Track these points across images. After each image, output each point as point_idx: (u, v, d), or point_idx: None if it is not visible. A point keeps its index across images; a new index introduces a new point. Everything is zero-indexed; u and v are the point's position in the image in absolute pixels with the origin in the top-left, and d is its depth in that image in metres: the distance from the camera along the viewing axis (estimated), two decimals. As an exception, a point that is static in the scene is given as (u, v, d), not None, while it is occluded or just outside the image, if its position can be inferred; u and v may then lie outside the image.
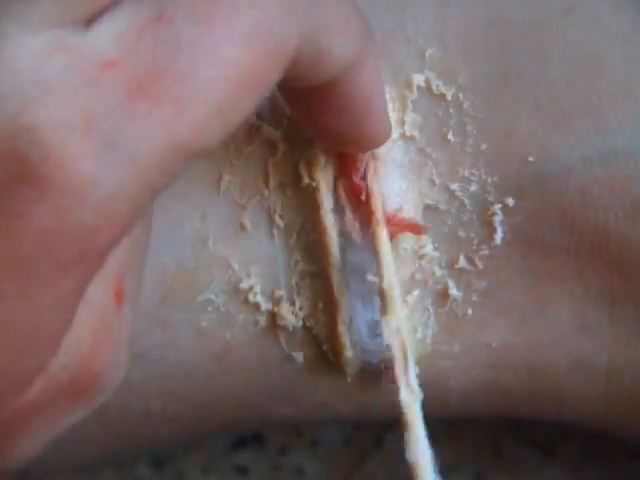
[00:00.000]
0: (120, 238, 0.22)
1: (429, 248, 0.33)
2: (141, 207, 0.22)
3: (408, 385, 0.30)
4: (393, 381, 0.30)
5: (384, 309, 0.31)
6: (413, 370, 0.30)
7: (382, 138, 0.30)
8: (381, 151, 0.32)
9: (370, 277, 0.32)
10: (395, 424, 0.45)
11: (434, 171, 0.33)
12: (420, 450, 0.29)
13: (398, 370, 0.30)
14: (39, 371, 0.23)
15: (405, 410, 0.30)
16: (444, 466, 0.44)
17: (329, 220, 0.33)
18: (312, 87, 0.27)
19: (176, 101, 0.22)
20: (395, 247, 0.32)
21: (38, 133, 0.21)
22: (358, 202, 0.33)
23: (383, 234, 0.32)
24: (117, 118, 0.21)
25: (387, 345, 0.31)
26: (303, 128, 0.32)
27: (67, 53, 0.22)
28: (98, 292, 0.24)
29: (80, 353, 0.24)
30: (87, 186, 0.21)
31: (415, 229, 0.32)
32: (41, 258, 0.21)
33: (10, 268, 0.21)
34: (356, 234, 0.33)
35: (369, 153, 0.32)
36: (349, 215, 0.33)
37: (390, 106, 0.33)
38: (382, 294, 0.31)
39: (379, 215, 0.32)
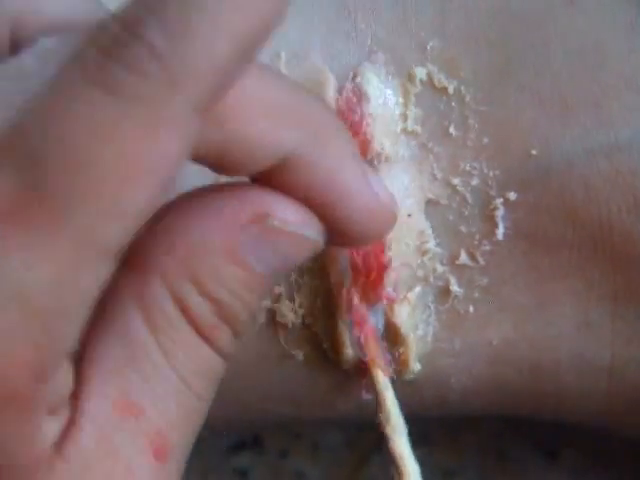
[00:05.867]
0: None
1: (432, 244, 0.33)
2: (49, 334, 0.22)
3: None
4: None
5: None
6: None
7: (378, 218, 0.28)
8: (387, 148, 0.32)
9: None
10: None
11: (435, 165, 0.33)
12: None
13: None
14: None
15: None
16: (447, 469, 0.44)
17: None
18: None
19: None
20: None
21: None
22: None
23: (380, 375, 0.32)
24: None
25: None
26: None
27: None
28: (127, 445, 0.24)
29: None
30: None
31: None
32: None
33: None
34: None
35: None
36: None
37: (393, 100, 0.32)
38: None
39: (378, 360, 0.32)
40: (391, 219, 0.28)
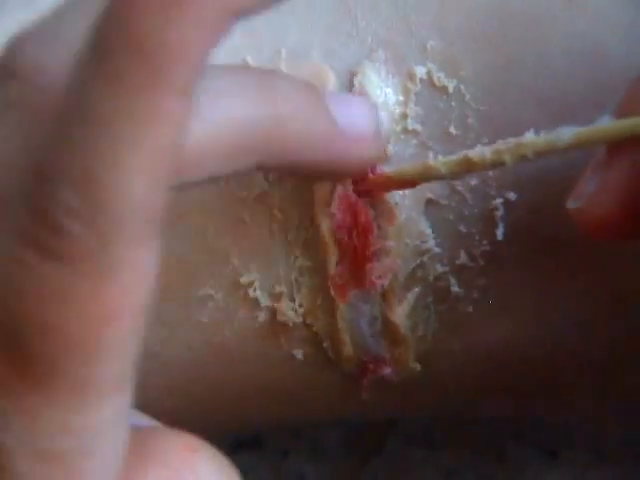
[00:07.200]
0: None
1: (431, 243, 0.33)
2: None
3: None
4: None
5: None
6: None
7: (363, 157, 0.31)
8: (387, 147, 0.32)
9: None
10: (396, 427, 0.45)
11: (435, 165, 0.32)
12: None
13: None
14: None
15: None
16: (447, 469, 0.44)
17: (325, 215, 0.32)
18: None
19: None
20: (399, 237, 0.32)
21: None
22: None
23: None
24: None
25: None
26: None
27: None
28: None
29: None
30: None
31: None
32: None
33: None
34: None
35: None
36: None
37: (393, 99, 0.32)
38: None
39: None
40: (369, 149, 0.31)
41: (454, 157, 0.29)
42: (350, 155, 0.30)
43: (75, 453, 0.22)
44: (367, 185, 0.32)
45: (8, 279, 0.22)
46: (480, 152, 0.29)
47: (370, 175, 0.31)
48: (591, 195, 0.27)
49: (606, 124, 0.27)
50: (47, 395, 0.22)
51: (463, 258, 0.33)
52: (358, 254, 0.32)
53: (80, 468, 0.23)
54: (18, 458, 0.22)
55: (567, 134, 0.27)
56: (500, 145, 0.28)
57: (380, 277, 0.32)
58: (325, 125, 0.29)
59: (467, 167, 0.29)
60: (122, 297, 0.22)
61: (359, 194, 0.32)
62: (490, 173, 0.32)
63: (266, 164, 0.28)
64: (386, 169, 0.32)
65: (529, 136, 0.28)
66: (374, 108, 0.31)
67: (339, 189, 0.32)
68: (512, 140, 0.28)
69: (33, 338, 0.22)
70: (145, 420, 0.27)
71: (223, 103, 0.26)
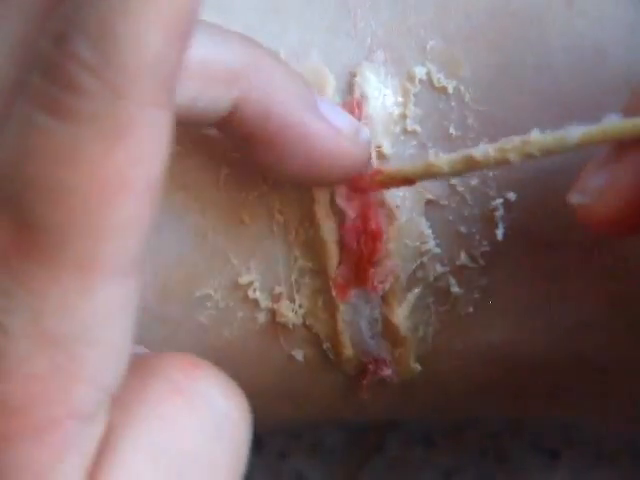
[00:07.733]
0: None
1: (431, 244, 0.33)
2: None
3: None
4: None
5: None
6: None
7: (341, 165, 0.30)
8: (386, 148, 0.32)
9: None
10: (396, 428, 0.45)
11: (435, 165, 0.32)
12: None
13: None
14: None
15: None
16: (447, 469, 0.44)
17: (325, 215, 0.32)
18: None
19: None
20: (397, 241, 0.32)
21: None
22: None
23: None
24: None
25: None
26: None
27: None
28: None
29: None
30: None
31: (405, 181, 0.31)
32: None
33: None
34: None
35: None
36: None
37: (392, 100, 0.32)
38: None
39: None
40: (350, 148, 0.30)
41: (457, 155, 0.29)
42: (325, 147, 0.29)
43: (78, 338, 0.22)
44: (365, 182, 0.31)
45: (17, 142, 0.21)
46: (484, 150, 0.29)
47: (368, 173, 0.31)
48: (600, 191, 0.27)
49: (615, 122, 0.27)
50: (51, 271, 0.21)
51: (463, 258, 0.33)
52: (363, 259, 0.32)
53: (83, 355, 0.22)
54: (18, 340, 0.21)
55: (575, 132, 0.27)
56: (504, 143, 0.28)
57: (382, 281, 0.32)
58: (308, 102, 0.29)
59: (470, 165, 0.29)
60: (132, 164, 0.21)
61: (356, 191, 0.32)
62: (490, 173, 0.32)
63: (242, 109, 0.28)
64: (386, 167, 0.32)
65: (535, 134, 0.28)
66: (359, 123, 0.31)
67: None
68: (516, 138, 0.28)
69: (39, 202, 0.21)
70: (147, 351, 0.27)
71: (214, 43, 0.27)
